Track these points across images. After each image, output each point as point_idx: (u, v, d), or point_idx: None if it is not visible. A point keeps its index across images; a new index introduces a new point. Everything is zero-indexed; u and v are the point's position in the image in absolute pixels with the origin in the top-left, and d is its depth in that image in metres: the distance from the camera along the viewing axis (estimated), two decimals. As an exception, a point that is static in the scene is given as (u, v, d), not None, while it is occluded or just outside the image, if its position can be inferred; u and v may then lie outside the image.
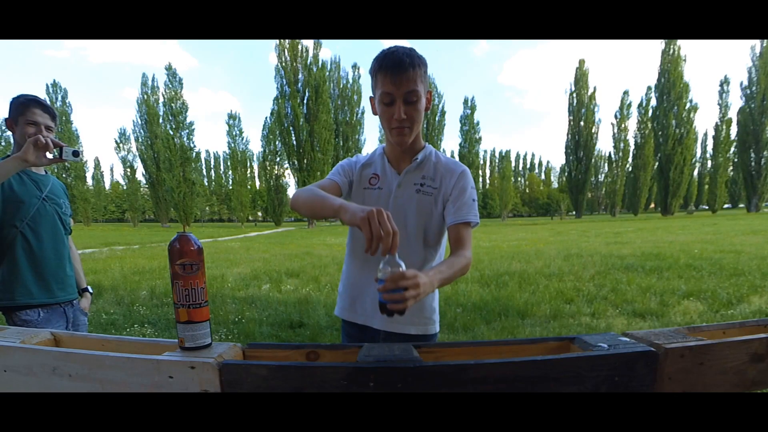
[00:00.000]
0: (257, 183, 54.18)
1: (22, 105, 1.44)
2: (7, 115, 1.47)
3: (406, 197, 1.08)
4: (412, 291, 0.70)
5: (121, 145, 37.83)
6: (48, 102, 1.51)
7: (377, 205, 1.07)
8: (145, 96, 35.46)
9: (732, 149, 40.83)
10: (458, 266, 0.94)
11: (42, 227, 1.49)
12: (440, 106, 39.01)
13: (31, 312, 1.43)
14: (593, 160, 42.76)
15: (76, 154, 1.17)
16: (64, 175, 36.48)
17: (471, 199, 1.06)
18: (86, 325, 1.68)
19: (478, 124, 40.64)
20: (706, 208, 48.15)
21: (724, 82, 39.25)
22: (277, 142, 34.78)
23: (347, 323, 1.18)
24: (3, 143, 38.38)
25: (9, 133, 1.47)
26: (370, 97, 1.06)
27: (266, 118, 36.14)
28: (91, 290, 1.78)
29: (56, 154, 1.29)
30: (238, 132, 42.60)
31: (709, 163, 44.99)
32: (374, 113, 1.05)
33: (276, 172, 37.12)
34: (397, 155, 1.10)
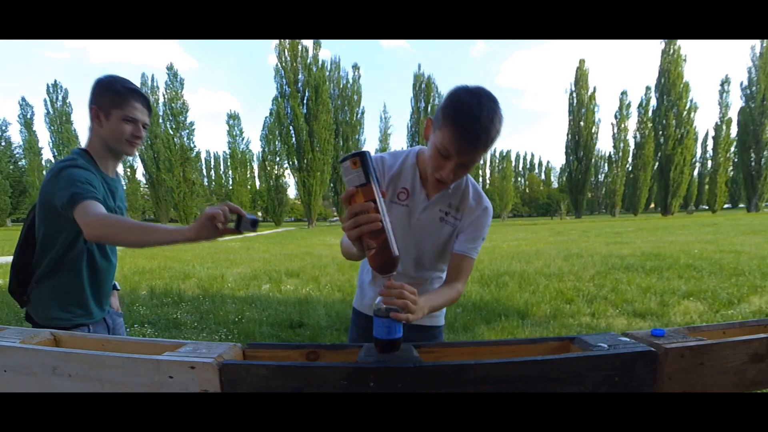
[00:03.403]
0: (257, 183, 54.14)
1: (120, 96, 1.17)
2: (92, 101, 1.18)
3: (428, 221, 1.07)
4: (411, 296, 0.69)
5: (121, 145, 37.79)
6: (145, 93, 1.25)
7: (400, 222, 1.06)
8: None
9: (732, 149, 40.86)
10: (448, 297, 0.97)
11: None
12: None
13: (83, 328, 1.26)
14: (593, 160, 42.74)
15: (255, 223, 0.93)
16: (64, 175, 36.38)
17: (482, 237, 1.07)
18: (123, 325, 1.51)
19: (478, 124, 40.48)
20: (706, 208, 48.14)
21: (725, 81, 39.26)
22: (276, 142, 34.78)
23: (357, 313, 1.25)
24: (3, 143, 38.38)
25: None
26: (429, 120, 0.97)
27: (266, 118, 36.19)
28: (118, 287, 1.57)
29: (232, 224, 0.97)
30: (238, 132, 42.62)
31: (709, 163, 45.01)
32: (425, 138, 0.99)
33: (276, 172, 37.13)
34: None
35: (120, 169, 1.45)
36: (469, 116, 0.82)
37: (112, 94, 1.17)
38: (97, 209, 1.01)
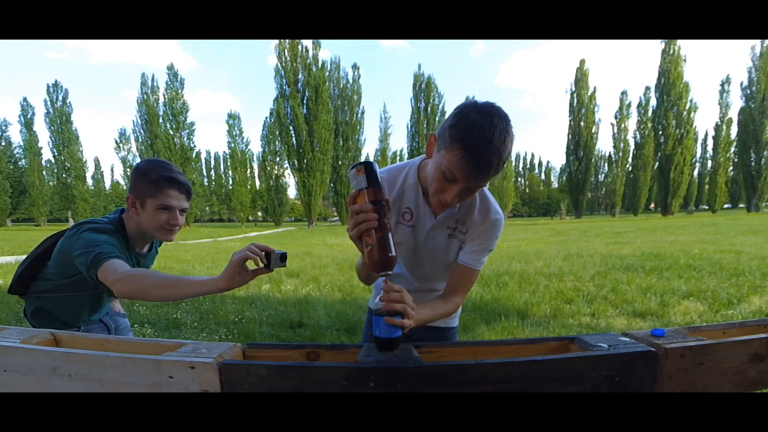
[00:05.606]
0: (257, 183, 54.13)
1: (154, 185, 1.14)
2: (129, 189, 1.18)
3: (438, 240, 1.05)
4: (411, 302, 0.70)
5: (121, 145, 37.79)
6: (183, 177, 1.20)
7: (408, 242, 1.05)
8: (145, 96, 35.51)
9: (732, 149, 40.88)
10: (439, 312, 0.95)
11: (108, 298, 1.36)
12: (440, 106, 39.09)
13: (73, 328, 1.31)
14: (593, 160, 42.76)
15: (283, 258, 0.92)
16: (64, 175, 36.57)
17: (489, 249, 1.04)
18: (128, 326, 1.55)
19: (478, 124, 40.55)
20: (706, 208, 48.16)
21: (725, 81, 39.29)
22: (277, 142, 34.80)
23: (371, 312, 1.25)
24: (3, 143, 38.37)
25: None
26: (432, 136, 0.90)
27: (266, 118, 36.23)
28: None
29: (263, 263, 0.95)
30: (238, 132, 42.64)
31: (709, 163, 45.03)
32: (428, 156, 0.93)
33: (276, 172, 37.18)
34: None
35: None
36: (481, 140, 0.75)
37: (146, 183, 1.15)
38: (122, 266, 0.98)
